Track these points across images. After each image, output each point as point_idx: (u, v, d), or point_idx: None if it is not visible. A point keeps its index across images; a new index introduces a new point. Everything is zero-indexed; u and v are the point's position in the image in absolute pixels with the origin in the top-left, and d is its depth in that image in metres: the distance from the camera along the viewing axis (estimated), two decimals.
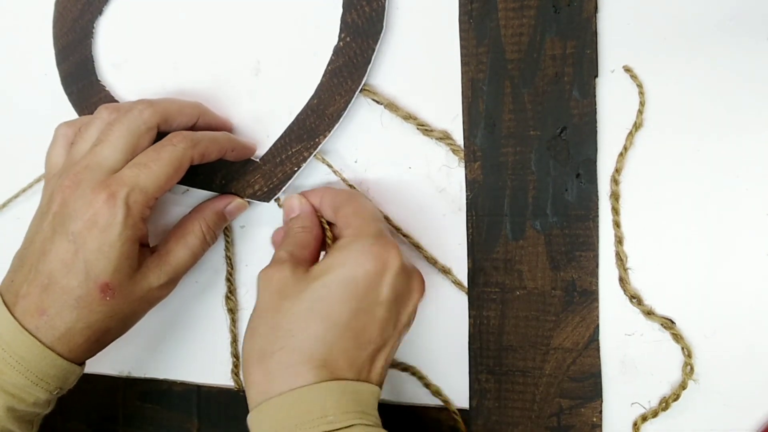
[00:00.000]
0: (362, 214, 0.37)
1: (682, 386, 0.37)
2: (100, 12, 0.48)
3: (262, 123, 0.44)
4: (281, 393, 0.32)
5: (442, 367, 0.42)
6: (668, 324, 0.37)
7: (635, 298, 0.38)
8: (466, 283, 0.41)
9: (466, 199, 0.40)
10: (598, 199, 0.38)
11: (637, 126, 0.38)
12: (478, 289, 0.40)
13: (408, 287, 0.36)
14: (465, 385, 0.41)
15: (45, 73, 0.49)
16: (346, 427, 0.31)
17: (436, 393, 0.41)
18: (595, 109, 0.38)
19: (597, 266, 0.38)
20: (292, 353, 0.33)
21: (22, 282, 0.37)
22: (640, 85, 0.37)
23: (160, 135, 0.39)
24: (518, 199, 0.39)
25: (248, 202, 0.44)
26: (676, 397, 0.37)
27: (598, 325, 0.38)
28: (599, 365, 0.38)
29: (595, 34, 0.38)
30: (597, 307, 0.38)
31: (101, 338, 0.38)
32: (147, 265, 0.39)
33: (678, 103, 0.37)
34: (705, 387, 0.37)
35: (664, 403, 0.37)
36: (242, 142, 0.43)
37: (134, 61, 0.47)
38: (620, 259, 0.38)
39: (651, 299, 0.38)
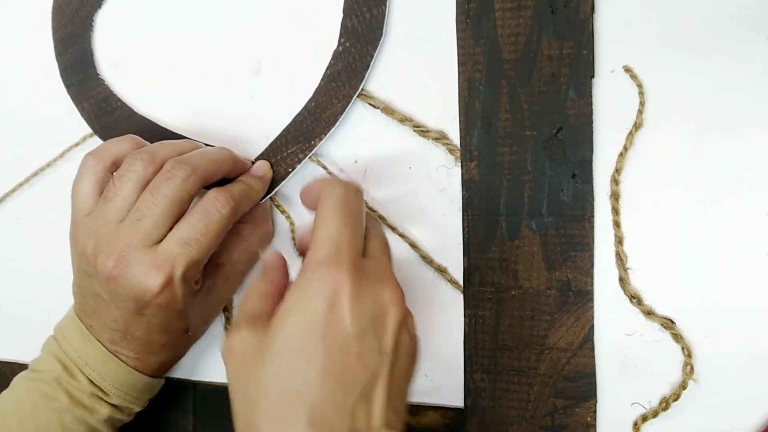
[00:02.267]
0: (319, 232, 0.33)
1: (683, 386, 0.37)
2: (99, 5, 0.48)
3: (262, 123, 0.44)
4: None
5: (437, 365, 0.42)
6: (668, 324, 0.37)
7: (635, 298, 0.38)
8: (461, 283, 0.41)
9: (462, 199, 0.40)
10: (593, 200, 0.38)
11: (637, 126, 0.38)
12: (473, 288, 0.41)
13: (377, 306, 0.31)
14: (460, 384, 0.41)
15: (45, 72, 0.49)
16: None
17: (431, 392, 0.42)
18: (591, 109, 0.38)
19: (592, 266, 0.38)
20: (276, 422, 0.29)
21: (103, 332, 0.39)
22: (640, 85, 0.37)
23: None
24: (514, 199, 0.39)
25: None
26: (676, 397, 0.37)
27: (593, 325, 0.39)
28: (594, 365, 0.39)
29: (591, 34, 0.38)
30: (592, 307, 0.39)
31: (185, 353, 0.44)
32: (216, 282, 0.42)
33: (678, 103, 0.37)
34: (705, 387, 0.37)
35: (665, 403, 0.37)
36: (266, 178, 0.43)
37: (133, 59, 0.47)
38: (620, 259, 0.38)
39: (651, 299, 0.38)
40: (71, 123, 0.49)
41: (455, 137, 0.41)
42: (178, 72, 0.46)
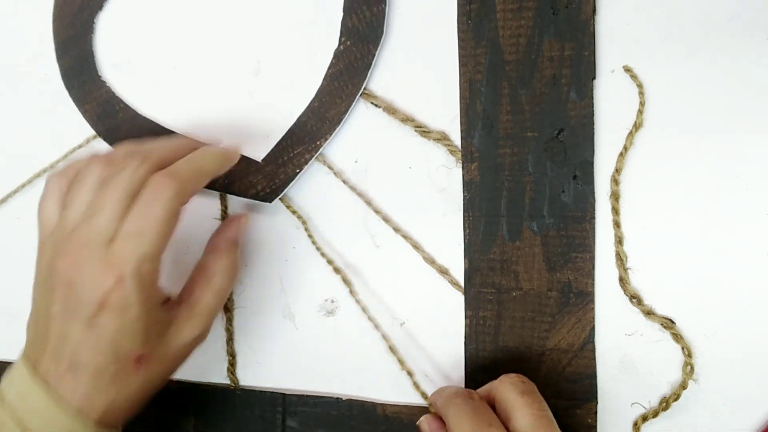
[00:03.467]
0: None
1: (683, 386, 0.37)
2: (100, 7, 0.48)
3: (262, 123, 0.44)
4: None
5: (438, 366, 0.42)
6: (668, 324, 0.37)
7: (635, 298, 0.38)
8: (462, 284, 0.41)
9: (463, 200, 0.40)
10: (594, 201, 0.38)
11: (637, 126, 0.38)
12: (474, 289, 0.40)
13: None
14: (461, 385, 0.41)
15: (45, 73, 0.49)
16: None
17: (424, 395, 0.41)
18: (593, 111, 0.38)
19: (593, 268, 0.38)
20: None
21: (50, 364, 0.35)
22: (640, 85, 0.37)
23: None
24: (515, 200, 0.39)
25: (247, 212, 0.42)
26: (676, 396, 0.37)
27: (593, 327, 0.38)
28: (594, 367, 0.38)
29: (593, 36, 0.38)
30: (593, 308, 0.38)
31: (142, 403, 0.37)
32: (178, 319, 0.37)
33: (678, 103, 0.37)
34: (705, 387, 0.37)
35: (665, 403, 0.37)
36: (225, 151, 0.40)
37: (134, 61, 0.48)
38: (620, 259, 0.38)
39: (651, 299, 0.38)
40: (75, 124, 0.49)
41: (456, 138, 0.41)
42: (179, 73, 0.47)
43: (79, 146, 0.49)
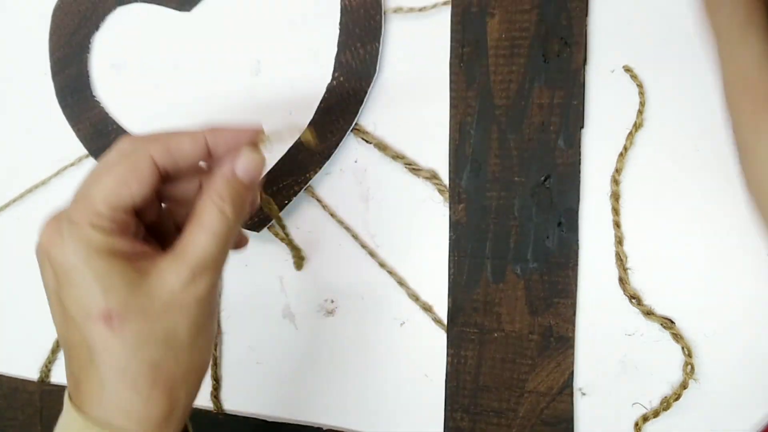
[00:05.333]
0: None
1: (683, 386, 0.37)
2: (96, 27, 0.48)
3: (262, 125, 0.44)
4: None
5: (417, 403, 0.42)
6: (668, 324, 0.37)
7: (635, 298, 0.38)
8: (446, 322, 0.41)
9: (449, 240, 0.41)
10: (578, 248, 0.39)
11: (637, 126, 0.38)
12: (457, 328, 0.41)
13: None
14: (440, 422, 0.41)
15: (40, 90, 0.50)
16: None
17: None
18: (580, 159, 0.38)
19: (574, 314, 0.39)
20: None
21: (71, 389, 0.32)
22: (640, 85, 0.38)
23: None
24: (500, 243, 0.40)
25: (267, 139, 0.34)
26: (677, 396, 0.37)
27: (572, 372, 0.39)
28: (572, 411, 0.39)
29: (582, 86, 0.38)
30: (572, 353, 0.39)
31: (172, 386, 0.31)
32: (158, 267, 0.31)
33: (678, 103, 0.37)
34: (706, 386, 0.37)
35: (666, 403, 0.37)
36: (229, 130, 0.34)
37: (134, 61, 0.48)
38: (620, 259, 0.38)
39: (651, 299, 0.38)
40: (68, 143, 0.49)
41: (445, 177, 0.41)
42: (178, 73, 0.47)
43: (71, 164, 0.49)
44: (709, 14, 0.30)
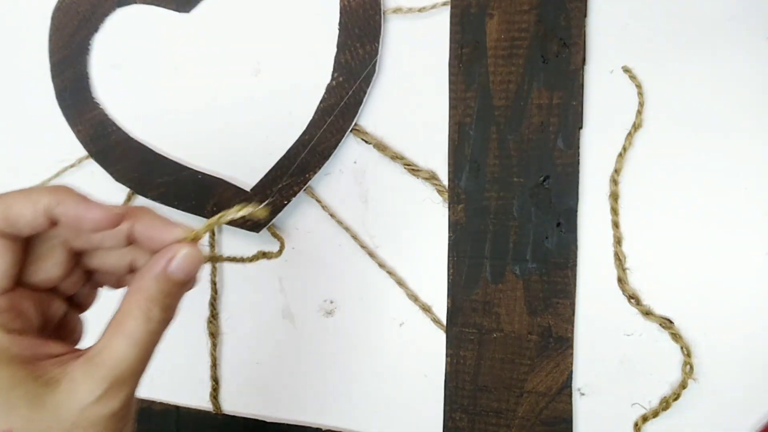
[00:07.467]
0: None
1: (682, 385, 0.37)
2: (96, 29, 0.48)
3: (262, 125, 0.44)
4: None
5: (417, 403, 0.42)
6: (667, 324, 0.37)
7: (634, 298, 0.38)
8: (445, 322, 0.41)
9: (448, 241, 0.41)
10: (577, 249, 0.39)
11: (636, 126, 0.38)
12: (456, 329, 0.41)
13: None
14: (439, 422, 0.41)
15: (40, 92, 0.50)
16: None
17: None
18: (578, 159, 0.38)
19: (573, 314, 0.39)
20: None
21: None
22: (639, 85, 0.38)
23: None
24: (499, 244, 0.40)
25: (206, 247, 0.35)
26: (676, 396, 0.37)
27: (571, 372, 0.39)
28: (571, 411, 0.39)
29: (581, 86, 0.38)
30: (571, 354, 0.39)
31: None
32: (69, 375, 0.27)
33: (678, 103, 0.37)
34: (705, 386, 0.37)
35: (665, 403, 0.37)
36: (159, 220, 0.30)
37: (134, 62, 0.48)
38: (619, 259, 0.38)
39: (649, 299, 0.38)
40: (68, 144, 0.49)
41: (444, 177, 0.41)
42: (178, 73, 0.47)
43: (71, 165, 0.49)
44: None
